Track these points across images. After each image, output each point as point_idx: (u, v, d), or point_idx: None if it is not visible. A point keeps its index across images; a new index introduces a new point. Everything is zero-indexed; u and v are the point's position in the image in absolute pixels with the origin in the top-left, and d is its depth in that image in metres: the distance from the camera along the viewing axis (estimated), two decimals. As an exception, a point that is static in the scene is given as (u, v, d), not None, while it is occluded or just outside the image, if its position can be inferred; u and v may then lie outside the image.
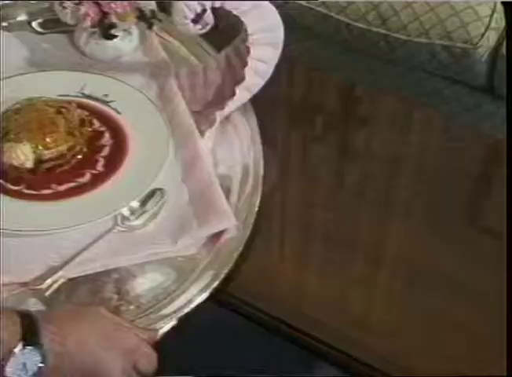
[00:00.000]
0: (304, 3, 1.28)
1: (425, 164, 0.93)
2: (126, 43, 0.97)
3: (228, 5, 0.83)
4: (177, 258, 0.78)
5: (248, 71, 0.87)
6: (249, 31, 0.85)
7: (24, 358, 0.61)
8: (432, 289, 0.78)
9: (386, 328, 0.76)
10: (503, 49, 1.24)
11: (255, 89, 0.90)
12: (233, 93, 0.88)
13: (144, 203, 0.81)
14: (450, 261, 0.81)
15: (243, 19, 0.84)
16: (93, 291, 0.75)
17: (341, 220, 0.85)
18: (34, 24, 1.02)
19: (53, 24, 1.01)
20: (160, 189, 0.82)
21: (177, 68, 0.95)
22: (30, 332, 0.62)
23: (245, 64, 0.87)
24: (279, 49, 0.89)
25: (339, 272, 0.81)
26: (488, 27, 1.25)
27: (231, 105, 0.89)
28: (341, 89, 0.92)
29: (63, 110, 0.85)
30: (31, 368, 0.62)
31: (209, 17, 0.84)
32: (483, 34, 1.25)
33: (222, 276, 0.77)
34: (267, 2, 0.86)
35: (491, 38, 1.25)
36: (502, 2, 1.27)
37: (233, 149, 0.89)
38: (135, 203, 0.80)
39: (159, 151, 0.86)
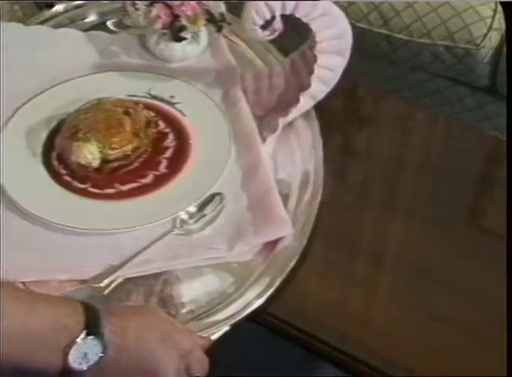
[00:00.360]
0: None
1: (426, 164, 0.92)
2: (195, 46, 0.97)
3: (298, 12, 0.83)
4: (233, 263, 0.78)
5: (313, 79, 0.87)
6: (317, 39, 0.84)
7: (86, 347, 0.62)
8: (432, 289, 0.78)
9: (387, 328, 0.76)
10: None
11: (320, 96, 0.90)
12: (297, 100, 0.88)
13: (202, 207, 0.81)
14: (450, 261, 0.80)
15: (312, 27, 0.84)
16: (142, 292, 0.76)
17: (341, 220, 0.84)
18: (108, 23, 1.04)
19: (125, 24, 1.03)
20: (219, 194, 0.82)
21: (243, 72, 0.96)
22: (92, 322, 0.63)
23: (311, 72, 0.87)
24: (346, 56, 0.88)
25: (340, 272, 0.80)
26: (490, 28, 1.23)
27: (294, 112, 0.89)
28: (343, 89, 0.91)
29: (130, 111, 0.86)
30: (91, 358, 0.62)
31: (278, 24, 0.83)
32: (485, 35, 1.23)
33: (278, 283, 0.77)
34: (337, 9, 0.85)
35: (494, 38, 1.24)
36: (501, 3, 1.25)
37: (294, 156, 0.88)
38: (193, 207, 0.81)
39: (221, 155, 0.86)
